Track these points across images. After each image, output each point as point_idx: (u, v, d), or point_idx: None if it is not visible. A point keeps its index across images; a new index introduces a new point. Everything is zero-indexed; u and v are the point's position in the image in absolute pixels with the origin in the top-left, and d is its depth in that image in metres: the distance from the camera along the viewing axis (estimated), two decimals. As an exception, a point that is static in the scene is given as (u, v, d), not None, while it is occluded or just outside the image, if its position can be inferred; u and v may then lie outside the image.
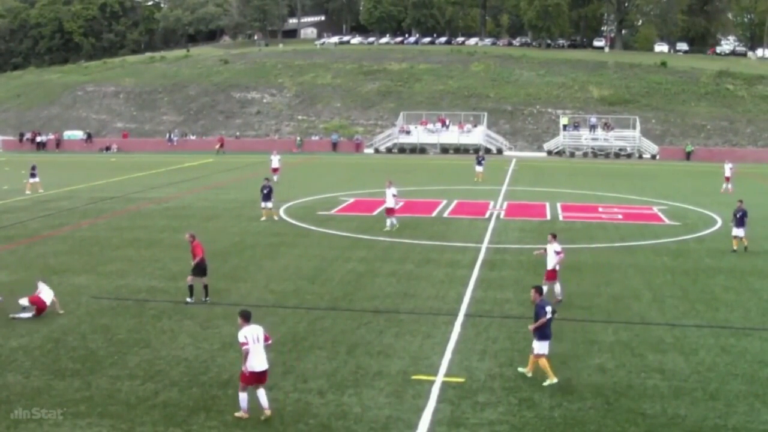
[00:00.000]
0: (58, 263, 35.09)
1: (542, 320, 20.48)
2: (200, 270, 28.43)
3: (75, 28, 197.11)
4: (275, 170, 65.23)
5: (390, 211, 42.85)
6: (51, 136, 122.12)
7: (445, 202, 53.58)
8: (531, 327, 20.76)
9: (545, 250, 28.49)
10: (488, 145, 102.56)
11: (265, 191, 46.70)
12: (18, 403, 19.36)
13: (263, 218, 46.46)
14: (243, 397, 18.34)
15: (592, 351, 22.94)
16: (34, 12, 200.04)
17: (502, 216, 48.29)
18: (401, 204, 46.63)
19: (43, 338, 24.35)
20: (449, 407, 18.91)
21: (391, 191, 42.67)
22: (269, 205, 46.85)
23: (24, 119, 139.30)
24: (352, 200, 54.16)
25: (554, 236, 28.70)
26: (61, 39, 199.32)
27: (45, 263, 35.18)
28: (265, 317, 26.07)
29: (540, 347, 20.50)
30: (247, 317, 18.52)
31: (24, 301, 26.52)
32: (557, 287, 27.93)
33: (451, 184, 64.29)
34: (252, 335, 18.29)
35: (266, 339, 18.61)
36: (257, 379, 18.33)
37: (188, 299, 28.19)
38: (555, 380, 20.28)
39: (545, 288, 25.52)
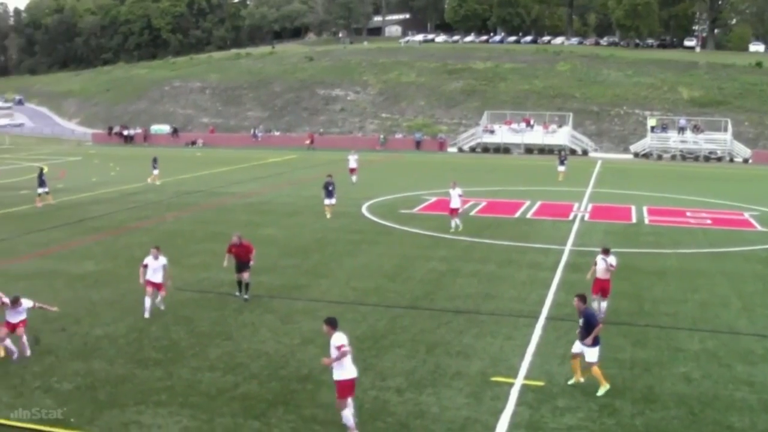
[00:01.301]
0: (143, 255, 35.25)
1: (598, 328, 20.09)
2: (244, 266, 28.21)
3: (163, 24, 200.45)
4: (352, 170, 64.81)
5: (454, 212, 42.46)
6: (138, 130, 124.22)
7: (528, 202, 53.14)
8: (588, 340, 19.99)
9: (595, 263, 26.41)
10: (573, 146, 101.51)
11: (329, 188, 46.89)
12: (102, 390, 19.68)
13: (328, 215, 46.54)
14: (347, 414, 17.24)
15: (676, 359, 22.41)
16: (124, 9, 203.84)
17: (586, 218, 47.69)
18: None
19: (127, 327, 24.68)
20: (528, 411, 18.67)
21: (456, 191, 42.29)
22: (332, 201, 47.00)
23: (113, 113, 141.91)
24: (434, 199, 53.98)
25: (607, 251, 26.31)
26: (149, 35, 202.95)
27: (130, 254, 35.61)
28: (345, 314, 26.16)
29: (592, 355, 20.06)
30: (334, 324, 17.61)
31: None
32: (603, 305, 26.22)
33: (534, 185, 63.75)
34: (345, 340, 17.34)
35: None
36: (353, 388, 17.52)
37: (236, 293, 28.49)
38: (608, 386, 19.83)
39: (596, 304, 25.32)
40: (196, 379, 20.48)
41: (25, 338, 21.82)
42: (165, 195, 56.49)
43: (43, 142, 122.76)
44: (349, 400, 17.38)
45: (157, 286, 26.21)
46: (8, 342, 21.46)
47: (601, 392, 19.64)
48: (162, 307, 26.48)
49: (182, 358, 21.94)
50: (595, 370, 19.94)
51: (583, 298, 20.51)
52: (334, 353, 17.11)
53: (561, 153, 77.78)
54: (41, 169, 52.38)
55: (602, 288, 25.95)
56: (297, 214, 47.97)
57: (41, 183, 50.89)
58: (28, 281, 30.73)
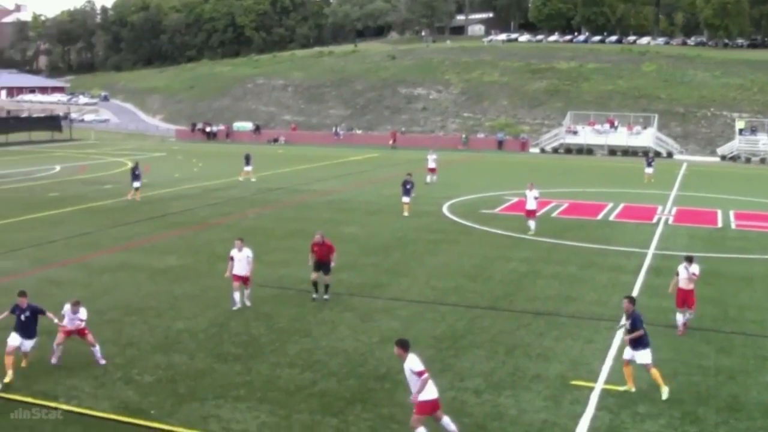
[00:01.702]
0: (224, 250, 35.57)
1: (639, 332, 19.99)
2: (326, 267, 27.87)
3: (247, 22, 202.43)
4: (432, 170, 64.31)
5: (530, 214, 42.06)
6: (221, 127, 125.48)
7: (611, 204, 52.56)
8: (627, 337, 20.15)
9: (677, 273, 25.14)
10: (658, 148, 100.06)
11: (407, 186, 46.99)
12: (182, 383, 19.92)
13: (405, 213, 46.57)
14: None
15: (763, 368, 21.86)
16: (208, 7, 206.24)
17: (670, 221, 46.98)
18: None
19: (208, 322, 24.97)
20: (608, 416, 18.43)
21: (532, 193, 41.89)
22: (408, 199, 47.07)
23: (196, 110, 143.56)
24: (515, 200, 53.65)
25: (690, 259, 25.20)
26: (233, 33, 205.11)
27: (212, 250, 36.05)
28: (425, 313, 26.21)
29: (643, 357, 19.96)
30: (406, 346, 16.80)
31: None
32: (687, 316, 24.96)
33: (618, 187, 63.01)
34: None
35: None
36: (434, 407, 16.77)
37: (314, 295, 27.99)
38: (667, 389, 19.59)
39: (680, 317, 24.82)
40: (275, 374, 20.63)
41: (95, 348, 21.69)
42: (247, 192, 57.00)
43: (127, 138, 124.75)
44: (446, 419, 16.89)
45: (243, 279, 26.56)
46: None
47: (664, 395, 19.43)
48: (248, 303, 26.69)
49: (261, 354, 22.11)
50: (654, 372, 19.82)
51: (632, 300, 20.63)
52: (410, 377, 16.61)
53: (648, 155, 76.89)
54: (136, 164, 53.11)
55: (684, 299, 24.77)
56: (378, 213, 48.07)
57: (135, 177, 51.63)
58: (111, 274, 31.31)
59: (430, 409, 16.67)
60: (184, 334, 23.76)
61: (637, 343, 19.96)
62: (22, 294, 20.76)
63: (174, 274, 31.65)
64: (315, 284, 27.78)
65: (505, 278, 31.75)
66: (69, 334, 21.36)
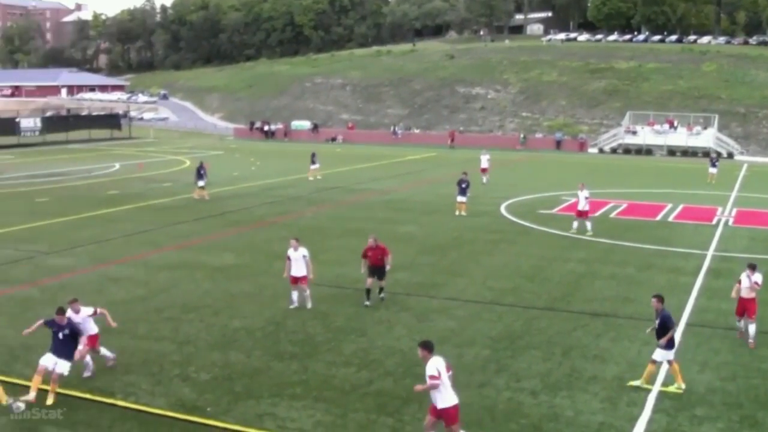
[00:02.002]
0: (282, 249, 35.75)
1: (672, 332, 20.12)
2: (381, 272, 27.27)
3: (305, 21, 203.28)
4: (484, 170, 63.76)
5: (582, 214, 41.75)
6: (279, 126, 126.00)
7: (670, 205, 52.08)
8: (663, 340, 20.01)
9: (739, 281, 24.04)
10: (718, 149, 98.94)
11: (462, 185, 46.98)
12: (238, 381, 20.05)
13: (457, 212, 46.76)
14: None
15: (825, 371, 21.66)
16: (267, 6, 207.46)
17: (730, 223, 46.45)
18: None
19: (265, 320, 25.14)
20: (665, 418, 18.28)
21: (583, 194, 41.60)
22: (464, 199, 47.09)
23: (255, 108, 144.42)
24: (573, 200, 53.21)
25: (753, 267, 24.08)
26: (291, 32, 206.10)
27: (269, 248, 36.27)
28: (482, 313, 26.16)
29: (667, 355, 20.09)
30: (430, 348, 16.16)
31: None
32: (752, 328, 23.59)
33: (677, 188, 62.42)
34: (441, 368, 15.84)
35: (448, 369, 16.19)
36: (448, 416, 16.10)
37: (366, 302, 27.03)
38: (683, 385, 19.72)
39: (742, 324, 24.05)
40: (331, 373, 20.70)
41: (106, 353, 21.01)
42: (304, 190, 57.28)
43: (185, 136, 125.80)
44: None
45: (299, 280, 26.30)
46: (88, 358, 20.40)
47: (674, 387, 19.74)
48: (309, 305, 26.47)
49: (317, 353, 22.20)
50: (674, 366, 20.05)
51: (661, 299, 20.43)
52: (428, 380, 15.99)
53: (712, 155, 76.21)
54: (200, 163, 53.54)
55: (745, 308, 23.72)
56: (435, 212, 48.06)
57: (200, 176, 52.03)
58: (169, 272, 31.63)
59: (455, 415, 16.15)
60: (240, 332, 23.94)
61: (670, 343, 19.99)
62: (61, 311, 19.17)
63: (231, 272, 31.89)
64: (368, 291, 27.10)
65: (562, 279, 31.61)
66: (93, 343, 20.50)
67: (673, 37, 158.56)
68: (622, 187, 61.48)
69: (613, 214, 48.34)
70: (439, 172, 72.32)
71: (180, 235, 39.90)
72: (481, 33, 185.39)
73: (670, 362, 19.97)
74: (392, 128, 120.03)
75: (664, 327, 19.82)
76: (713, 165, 68.57)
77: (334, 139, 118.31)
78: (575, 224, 41.92)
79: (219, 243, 37.93)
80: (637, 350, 22.79)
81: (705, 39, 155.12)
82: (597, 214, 48.20)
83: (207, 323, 24.77)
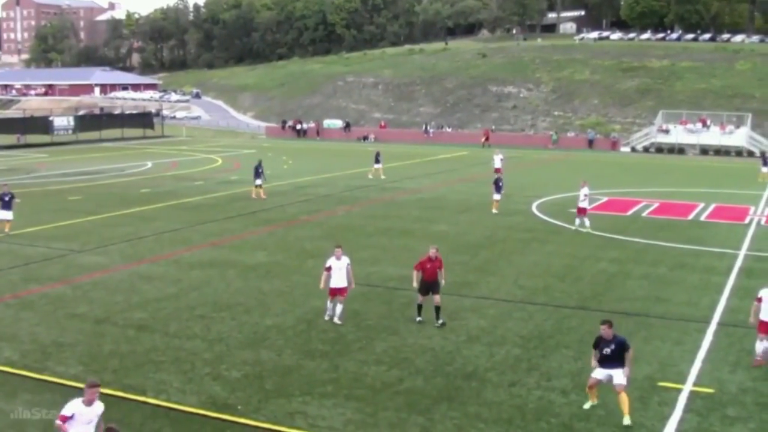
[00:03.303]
0: (314, 248, 36.18)
1: (594, 355, 18.51)
2: (436, 286, 24.98)
3: (338, 20, 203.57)
4: (497, 171, 61.76)
5: (581, 211, 41.74)
6: (311, 124, 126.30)
7: (702, 205, 51.82)
8: (627, 369, 18.21)
9: (759, 300, 21.83)
10: (751, 148, 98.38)
11: (499, 183, 47.51)
12: (269, 379, 20.13)
13: (494, 211, 46.98)
14: None
15: None
16: (300, 4, 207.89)
17: (763, 222, 46.21)
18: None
19: (296, 319, 25.21)
20: (696, 418, 18.24)
21: (584, 191, 41.59)
22: (498, 197, 47.29)
23: (287, 107, 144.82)
24: (605, 199, 53.23)
25: None
26: (324, 30, 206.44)
27: (301, 247, 36.41)
28: (513, 313, 26.18)
29: (622, 376, 18.12)
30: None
31: None
32: (759, 346, 21.74)
33: (710, 187, 62.09)
34: None
35: None
36: None
37: (417, 317, 25.18)
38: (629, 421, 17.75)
39: (759, 345, 21.59)
40: (362, 372, 20.76)
41: None
42: (336, 189, 57.43)
43: (218, 135, 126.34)
44: None
45: (340, 292, 24.67)
46: None
47: (626, 421, 17.72)
48: (340, 322, 24.79)
49: (349, 351, 22.26)
50: (624, 397, 17.96)
51: (610, 324, 18.26)
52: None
53: (765, 154, 75.96)
54: (259, 162, 53.63)
55: None
56: (468, 211, 48.07)
57: (257, 175, 52.14)
58: (201, 270, 31.78)
59: None
60: (272, 331, 24.03)
61: (622, 362, 18.21)
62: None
63: (263, 270, 32.01)
64: (420, 307, 25.08)
65: (594, 278, 31.56)
66: None
67: (707, 36, 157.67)
68: (655, 186, 61.24)
69: (645, 214, 48.14)
70: (472, 171, 72.26)
71: (212, 233, 40.09)
72: (514, 32, 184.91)
73: (621, 389, 18.06)
74: (424, 127, 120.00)
75: (623, 350, 18.17)
76: (765, 164, 68.57)
77: (366, 138, 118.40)
78: (577, 221, 42.00)
79: (251, 241, 38.10)
80: (669, 350, 22.74)
81: (739, 37, 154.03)
82: (629, 213, 48.19)
83: (238, 321, 24.88)
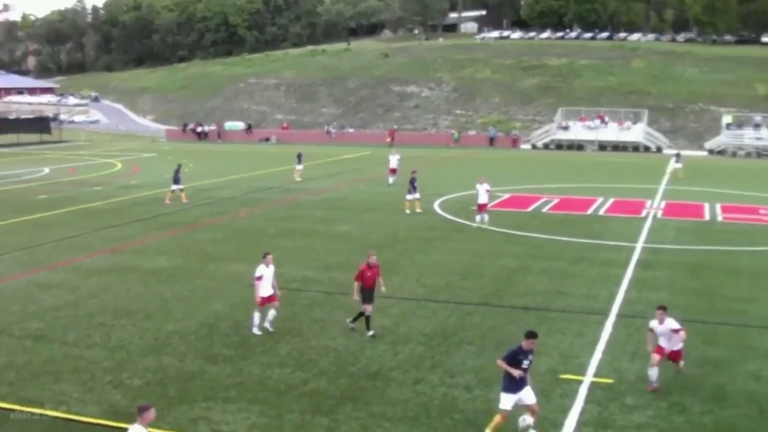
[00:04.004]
0: (215, 251, 35.96)
1: (513, 370, 16.95)
2: (372, 295, 24.26)
3: (239, 21, 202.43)
4: (393, 171, 60.94)
5: (482, 208, 42.30)
6: (213, 127, 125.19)
7: (601, 199, 52.73)
8: (502, 362, 17.23)
9: (651, 330, 20.25)
10: (647, 143, 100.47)
11: (414, 183, 47.16)
12: (172, 386, 19.93)
13: (408, 211, 46.89)
14: None
15: (747, 357, 22.17)
16: (201, 6, 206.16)
17: (659, 215, 47.22)
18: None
19: (198, 323, 25.00)
20: (597, 408, 18.59)
21: (483, 187, 42.12)
22: (417, 196, 47.40)
23: (188, 110, 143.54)
24: (507, 196, 53.81)
25: (664, 309, 20.11)
26: (225, 32, 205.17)
27: (202, 250, 36.12)
28: (416, 311, 26.33)
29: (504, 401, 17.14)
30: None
31: None
32: (653, 372, 19.78)
33: (608, 182, 63.19)
34: None
35: None
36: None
37: (351, 322, 24.55)
38: None
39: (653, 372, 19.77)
40: (266, 375, 20.69)
41: None
42: (238, 191, 57.08)
43: (117, 139, 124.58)
44: None
45: (270, 299, 24.13)
46: None
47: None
48: (272, 329, 24.22)
49: (252, 355, 22.16)
50: (499, 418, 17.14)
51: (536, 336, 17.48)
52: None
53: (678, 151, 77.87)
54: (179, 166, 52.87)
55: (672, 357, 20.23)
56: (370, 211, 48.19)
57: (176, 180, 51.43)
58: (101, 277, 31.31)
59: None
60: (174, 336, 23.77)
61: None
62: None
63: (164, 275, 31.65)
64: (369, 318, 24.04)
65: (495, 274, 31.89)
66: None
67: (604, 35, 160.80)
68: (555, 182, 62.08)
69: (545, 209, 48.82)
70: (374, 170, 72.35)
71: (112, 238, 39.51)
72: (416, 32, 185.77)
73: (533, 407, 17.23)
74: (326, 128, 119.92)
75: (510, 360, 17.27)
76: (677, 160, 70.15)
77: (267, 140, 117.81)
78: (478, 218, 42.35)
79: (152, 246, 37.64)
80: (570, 343, 23.12)
81: (635, 36, 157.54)
82: (530, 209, 48.80)
83: (139, 328, 24.55)
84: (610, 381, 20.14)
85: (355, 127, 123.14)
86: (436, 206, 49.54)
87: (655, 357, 19.77)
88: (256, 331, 24.05)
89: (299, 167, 65.04)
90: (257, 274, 24.03)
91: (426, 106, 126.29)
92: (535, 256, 35.27)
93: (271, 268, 24.30)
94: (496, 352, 22.02)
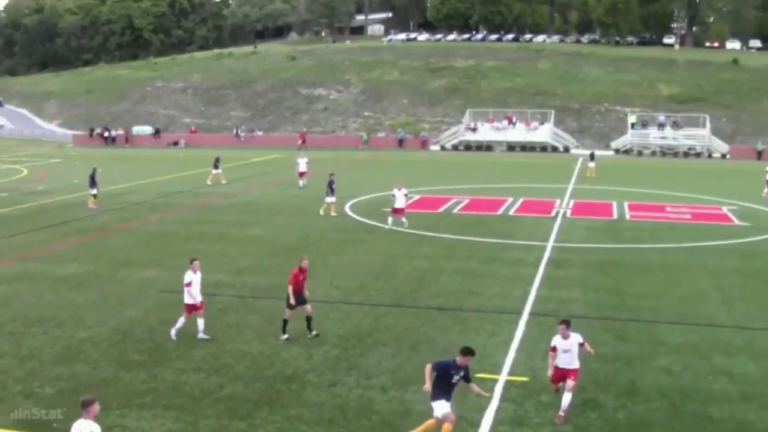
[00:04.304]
0: (127, 256, 35.53)
1: (427, 383, 16.80)
2: (303, 297, 24.15)
3: (145, 24, 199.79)
4: (302, 174, 60.57)
5: (399, 212, 42.72)
6: (120, 131, 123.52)
7: (511, 199, 53.32)
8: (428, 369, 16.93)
9: (554, 349, 18.77)
10: (555, 143, 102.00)
11: (332, 186, 47.15)
12: (85, 394, 19.54)
13: (322, 212, 46.95)
14: None
15: (658, 352, 22.66)
16: (105, 9, 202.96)
17: (568, 214, 47.96)
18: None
19: (111, 330, 24.65)
20: (512, 406, 18.81)
21: (401, 192, 42.57)
22: (333, 199, 47.23)
23: (94, 114, 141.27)
24: (417, 197, 54.09)
25: (567, 324, 18.84)
26: (131, 35, 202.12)
27: (113, 256, 35.63)
28: (329, 313, 26.27)
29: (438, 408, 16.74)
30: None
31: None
32: (566, 399, 18.25)
33: (518, 182, 63.94)
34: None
35: None
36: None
37: (285, 336, 23.83)
38: None
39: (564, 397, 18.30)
40: (181, 380, 20.49)
41: None
42: (148, 196, 56.45)
43: (23, 144, 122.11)
44: None
45: (197, 307, 23.79)
46: None
47: None
48: (207, 336, 23.75)
49: (166, 360, 21.93)
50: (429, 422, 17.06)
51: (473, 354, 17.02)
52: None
53: (592, 150, 79.30)
54: (94, 170, 51.87)
55: (563, 376, 18.63)
56: (282, 214, 48.06)
57: (93, 184, 50.52)
58: (10, 285, 30.67)
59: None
60: (86, 344, 23.39)
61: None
62: None
63: (75, 282, 31.15)
64: (287, 323, 23.89)
65: (408, 275, 32.05)
66: None
67: (510, 36, 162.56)
68: (465, 183, 62.58)
69: (456, 210, 49.21)
70: (284, 173, 72.14)
71: (20, 245, 38.72)
72: (323, 34, 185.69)
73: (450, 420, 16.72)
74: (235, 131, 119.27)
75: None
76: (592, 159, 72.01)
77: (176, 144, 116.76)
78: (390, 220, 42.72)
79: (61, 252, 37.01)
80: (484, 342, 23.28)
81: (540, 38, 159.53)
82: (440, 210, 49.15)
83: (51, 336, 24.12)
84: (524, 379, 20.39)
85: (263, 130, 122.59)
86: (347, 208, 49.57)
87: (553, 387, 18.90)
88: (173, 334, 23.72)
89: (216, 171, 64.30)
90: (186, 280, 23.75)
91: (334, 108, 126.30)
92: (447, 257, 35.53)
93: (199, 274, 24.03)
94: (411, 353, 22.31)
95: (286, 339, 23.62)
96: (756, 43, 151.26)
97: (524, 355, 22.27)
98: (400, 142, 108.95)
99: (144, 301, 27.86)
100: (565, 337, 18.60)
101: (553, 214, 48.19)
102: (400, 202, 42.58)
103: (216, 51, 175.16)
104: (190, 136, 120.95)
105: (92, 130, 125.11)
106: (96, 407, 13.91)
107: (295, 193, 56.29)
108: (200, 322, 23.77)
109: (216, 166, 64.52)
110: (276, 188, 61.24)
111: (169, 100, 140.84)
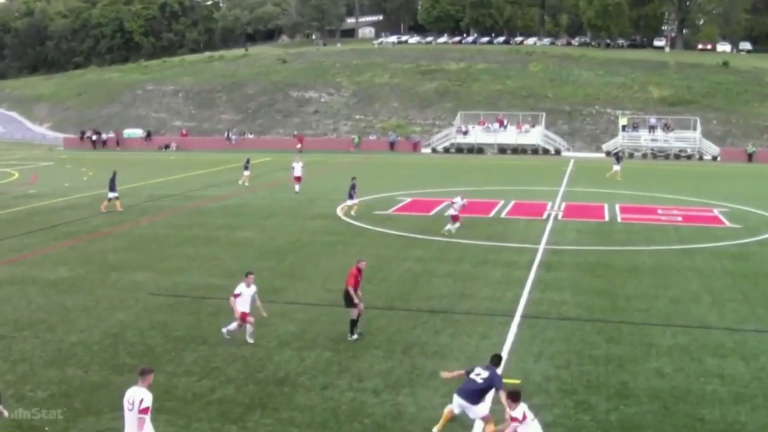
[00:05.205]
0: (117, 260, 35.44)
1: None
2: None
3: (135, 27, 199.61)
4: (298, 179, 59.00)
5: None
6: (111, 134, 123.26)
7: (502, 202, 53.35)
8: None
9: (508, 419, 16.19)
10: (546, 146, 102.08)
11: (353, 189, 47.74)
12: (77, 397, 19.60)
13: (351, 213, 47.43)
14: None
15: (649, 354, 22.66)
16: (96, 12, 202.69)
17: (559, 217, 47.99)
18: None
19: (101, 333, 24.60)
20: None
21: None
22: (355, 202, 47.82)
23: (85, 117, 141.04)
24: (409, 200, 54.11)
25: (515, 397, 16.01)
26: (121, 38, 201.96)
27: (104, 259, 35.55)
28: (321, 316, 26.26)
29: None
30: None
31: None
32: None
33: (509, 185, 63.96)
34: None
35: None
36: None
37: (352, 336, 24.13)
38: None
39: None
40: (172, 384, 20.46)
41: None
42: (139, 199, 56.29)
43: (13, 147, 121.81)
44: None
45: (246, 315, 23.68)
46: None
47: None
48: (251, 340, 23.80)
49: (158, 364, 21.82)
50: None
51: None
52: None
53: (620, 153, 79.38)
54: (114, 173, 51.62)
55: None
56: (272, 217, 47.99)
57: (112, 187, 50.41)
58: (0, 288, 30.56)
59: None
60: (78, 347, 23.35)
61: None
62: None
63: (66, 285, 31.06)
64: (355, 322, 24.21)
65: (400, 278, 32.03)
66: None
67: (501, 39, 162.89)
68: (456, 186, 62.40)
69: (447, 213, 49.14)
70: (275, 176, 72.10)
71: (10, 249, 38.61)
72: (314, 37, 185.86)
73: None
74: (226, 134, 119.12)
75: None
76: (618, 162, 71.91)
77: (167, 147, 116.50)
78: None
79: (52, 256, 36.90)
80: (476, 345, 23.31)
81: (531, 40, 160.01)
82: (432, 213, 49.12)
83: (42, 339, 24.06)
84: (517, 381, 20.30)
85: (255, 133, 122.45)
86: (338, 211, 49.52)
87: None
88: (224, 332, 23.84)
89: (246, 173, 64.76)
90: (236, 291, 23.73)
91: (325, 111, 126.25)
92: (438, 259, 35.51)
93: (253, 288, 23.92)
94: (403, 356, 22.30)
95: (356, 338, 23.82)
96: (746, 45, 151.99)
97: (516, 357, 22.25)
98: (392, 145, 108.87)
99: (135, 305, 27.80)
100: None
101: (544, 216, 48.20)
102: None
103: (207, 54, 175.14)
104: (181, 139, 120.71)
105: (83, 133, 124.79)
106: (151, 377, 15.58)
107: (287, 196, 56.20)
108: (249, 328, 23.65)
109: (246, 167, 64.96)
110: (267, 191, 61.12)
111: (160, 103, 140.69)
